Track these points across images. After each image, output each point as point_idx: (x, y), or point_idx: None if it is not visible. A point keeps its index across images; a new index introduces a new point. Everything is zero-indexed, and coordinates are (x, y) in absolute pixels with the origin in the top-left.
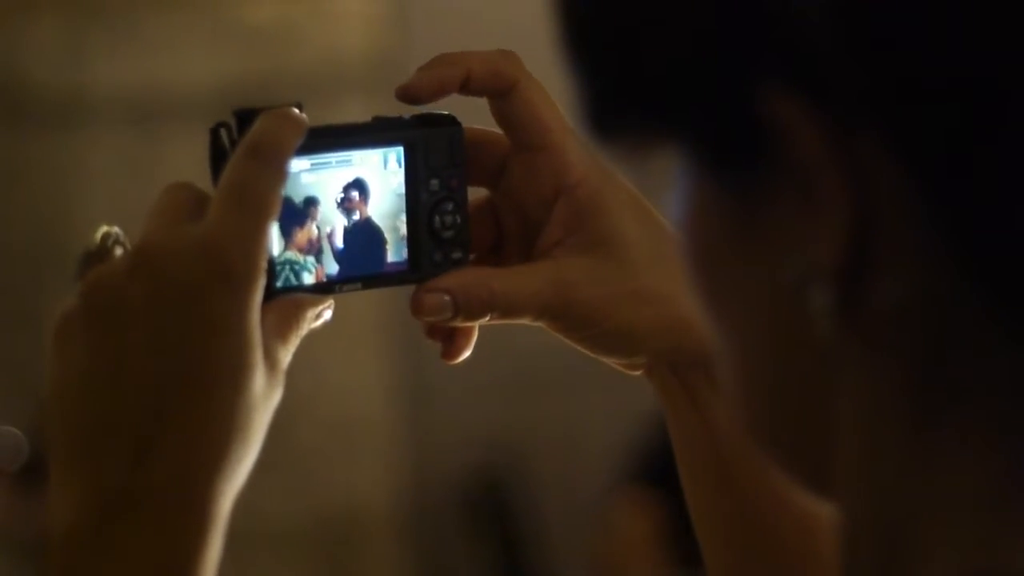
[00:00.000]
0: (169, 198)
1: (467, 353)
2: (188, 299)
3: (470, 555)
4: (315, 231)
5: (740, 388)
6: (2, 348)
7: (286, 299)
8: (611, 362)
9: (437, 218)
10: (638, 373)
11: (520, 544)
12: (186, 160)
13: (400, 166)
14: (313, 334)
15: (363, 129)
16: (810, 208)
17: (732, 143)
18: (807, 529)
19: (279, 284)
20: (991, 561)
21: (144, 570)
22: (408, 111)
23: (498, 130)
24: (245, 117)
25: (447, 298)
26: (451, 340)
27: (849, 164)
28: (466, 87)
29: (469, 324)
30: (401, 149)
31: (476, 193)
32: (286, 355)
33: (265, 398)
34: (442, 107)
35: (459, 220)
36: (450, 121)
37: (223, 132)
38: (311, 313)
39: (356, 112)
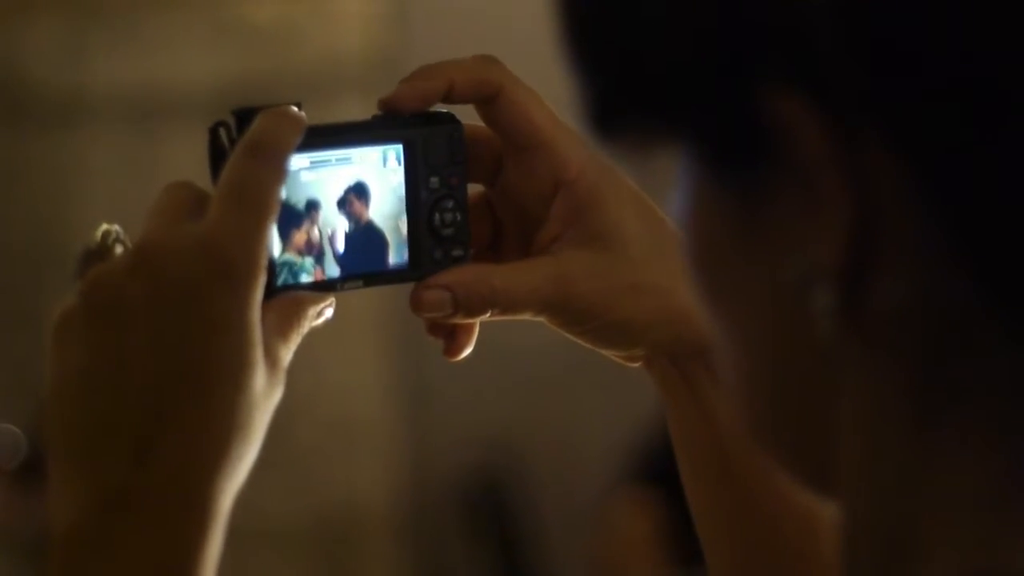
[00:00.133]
0: (169, 197)
1: (469, 350)
2: (188, 297)
3: (469, 555)
4: (316, 234)
5: (741, 387)
6: (2, 347)
7: (287, 297)
8: (611, 355)
9: (437, 216)
10: (637, 365)
11: (519, 544)
12: (186, 159)
13: (399, 164)
14: (313, 333)
15: (362, 127)
16: (811, 207)
17: (734, 142)
18: (808, 523)
19: (279, 283)
20: (992, 561)
21: (145, 568)
22: None
23: None
24: (244, 116)
25: (447, 294)
26: (453, 337)
27: (851, 164)
28: (450, 97)
29: (470, 321)
30: (400, 147)
31: (471, 189)
32: (287, 353)
33: (266, 396)
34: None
35: (459, 218)
36: (449, 119)
37: (222, 131)
38: (312, 311)
39: (356, 112)
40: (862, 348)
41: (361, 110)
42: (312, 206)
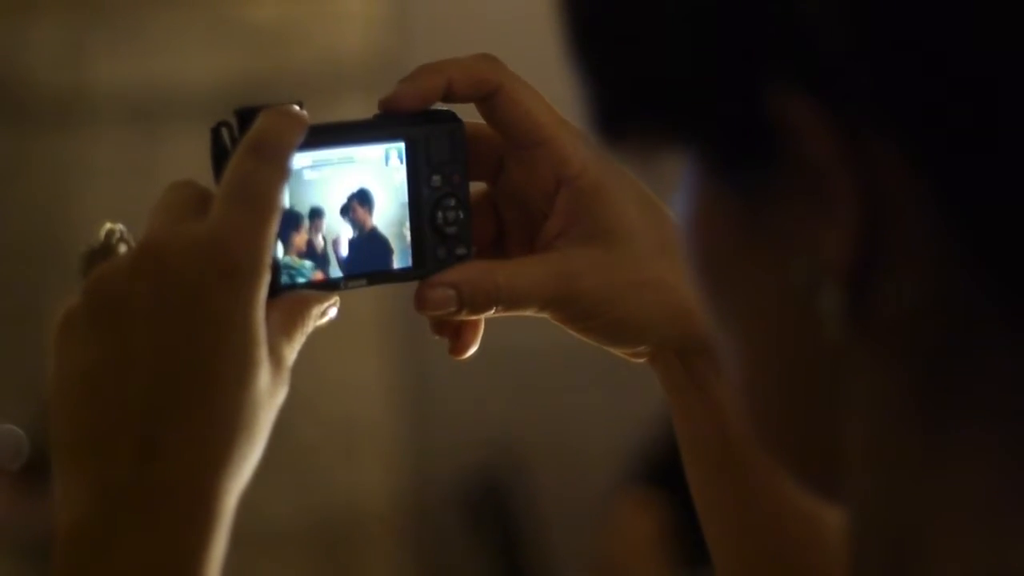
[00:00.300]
0: (172, 196)
1: (474, 348)
2: (192, 296)
3: (470, 555)
4: (320, 241)
5: (746, 390)
6: (4, 347)
7: (291, 296)
8: (615, 351)
9: (440, 214)
10: (642, 361)
11: (520, 544)
12: (187, 159)
13: (401, 162)
14: (314, 333)
15: (364, 126)
16: (819, 208)
17: (740, 144)
18: (814, 519)
19: (283, 283)
20: (1001, 563)
21: (149, 568)
22: None
23: None
24: (246, 116)
25: (452, 292)
26: (458, 336)
27: (858, 164)
28: (449, 96)
29: (474, 318)
30: (402, 145)
31: (474, 188)
32: (291, 352)
33: (270, 395)
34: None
35: (462, 216)
36: (451, 117)
37: (224, 131)
38: (316, 310)
39: (356, 112)
40: (869, 350)
41: (362, 110)
42: (316, 214)
